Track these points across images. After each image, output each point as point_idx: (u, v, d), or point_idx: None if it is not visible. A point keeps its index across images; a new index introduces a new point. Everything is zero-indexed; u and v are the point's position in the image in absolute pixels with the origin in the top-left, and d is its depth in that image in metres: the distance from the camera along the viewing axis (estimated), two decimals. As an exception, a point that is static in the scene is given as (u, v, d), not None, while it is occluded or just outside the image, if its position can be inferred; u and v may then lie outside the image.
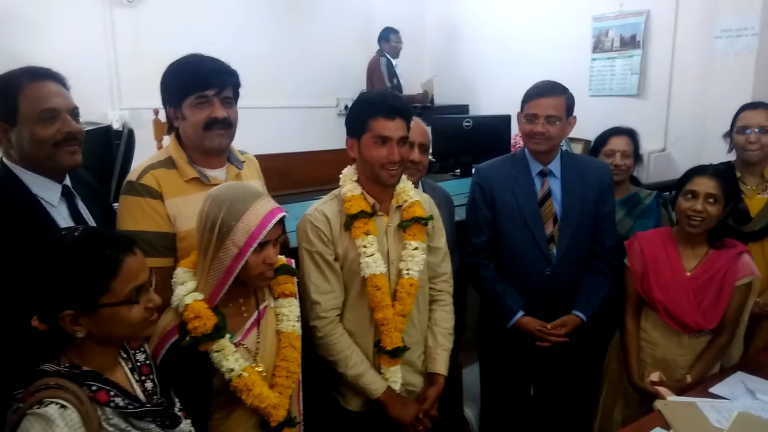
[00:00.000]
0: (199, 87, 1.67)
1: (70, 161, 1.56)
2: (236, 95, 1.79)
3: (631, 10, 4.25)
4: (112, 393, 1.17)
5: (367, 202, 1.84)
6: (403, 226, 1.89)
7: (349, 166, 1.92)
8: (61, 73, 1.59)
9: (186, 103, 1.69)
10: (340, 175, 1.91)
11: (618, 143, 2.61)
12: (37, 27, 3.93)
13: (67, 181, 1.63)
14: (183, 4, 4.69)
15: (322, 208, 1.85)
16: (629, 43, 4.29)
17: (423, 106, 5.27)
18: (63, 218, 1.55)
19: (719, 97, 3.61)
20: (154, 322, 1.27)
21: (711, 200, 2.04)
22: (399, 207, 1.91)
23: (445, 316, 2.04)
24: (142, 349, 1.35)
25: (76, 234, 1.19)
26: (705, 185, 2.05)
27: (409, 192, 1.92)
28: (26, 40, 3.79)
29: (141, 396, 1.26)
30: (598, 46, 4.51)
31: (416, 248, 1.87)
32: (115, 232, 1.56)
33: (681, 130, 3.95)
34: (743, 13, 3.46)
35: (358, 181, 1.87)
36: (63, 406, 1.08)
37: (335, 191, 1.90)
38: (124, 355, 1.30)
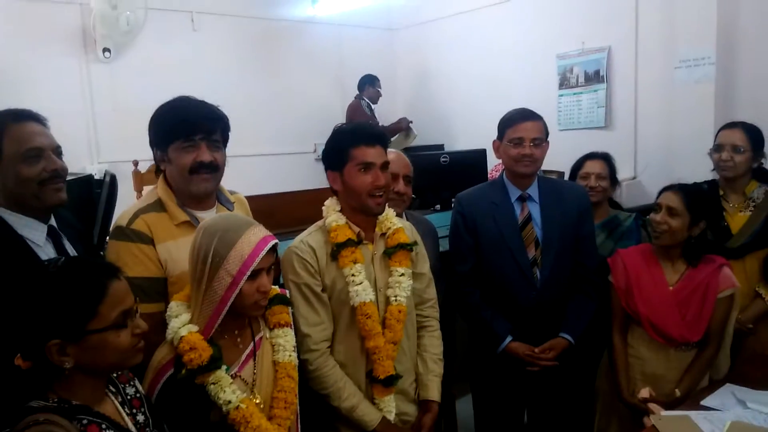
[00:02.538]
0: (186, 132, 1.68)
1: (56, 199, 1.57)
2: (225, 138, 1.80)
3: (593, 47, 4.42)
4: (103, 426, 1.15)
5: (353, 230, 1.85)
6: (389, 253, 1.91)
7: (330, 198, 1.93)
8: (41, 115, 1.60)
9: (172, 146, 1.69)
10: (323, 207, 1.92)
11: (593, 166, 2.71)
12: (15, 83, 3.93)
13: (53, 222, 1.63)
14: (159, 59, 4.76)
15: (307, 240, 1.86)
16: (593, 78, 4.46)
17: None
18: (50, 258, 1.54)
19: (683, 124, 3.76)
20: (141, 349, 1.24)
21: (671, 213, 2.11)
22: (383, 235, 1.93)
23: (434, 342, 2.05)
24: (132, 383, 1.33)
25: (59, 263, 1.19)
26: (667, 198, 2.15)
27: (391, 219, 1.94)
28: (4, 97, 3.78)
29: (133, 430, 1.24)
30: (564, 83, 4.68)
31: (403, 274, 1.89)
32: (98, 259, 1.56)
33: (649, 158, 4.07)
34: (700, 44, 3.63)
35: (341, 211, 1.89)
36: None
37: (319, 222, 1.92)
38: (113, 389, 1.28)
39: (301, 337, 1.79)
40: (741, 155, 2.48)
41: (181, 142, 1.68)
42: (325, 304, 1.84)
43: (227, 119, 1.79)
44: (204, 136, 1.70)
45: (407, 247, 1.92)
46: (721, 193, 2.58)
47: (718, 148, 2.55)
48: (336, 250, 1.82)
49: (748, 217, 2.49)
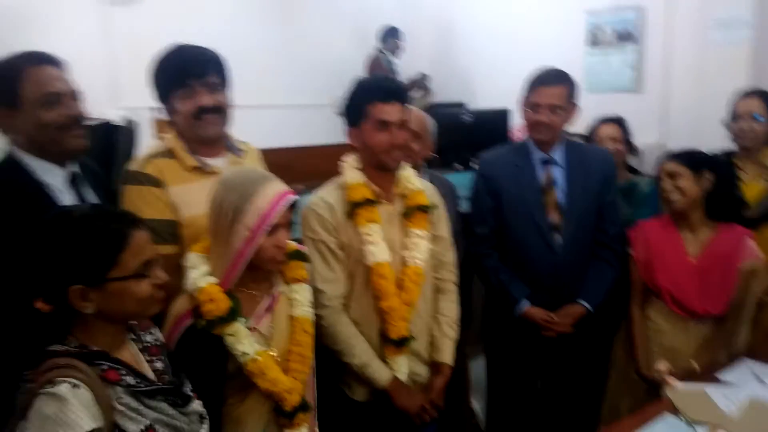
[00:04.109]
0: (180, 79, 1.67)
1: (76, 145, 1.57)
2: (224, 79, 1.77)
3: (625, 3, 4.25)
4: (122, 372, 1.16)
5: (371, 189, 1.83)
6: (407, 214, 1.88)
7: (350, 154, 1.90)
8: (59, 58, 1.58)
9: (173, 98, 1.69)
10: (342, 163, 1.90)
11: (606, 130, 2.69)
12: (34, 27, 3.90)
13: (75, 168, 1.62)
14: (180, 2, 4.68)
15: (325, 197, 1.84)
16: (624, 37, 4.30)
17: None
18: (70, 203, 1.54)
19: (715, 88, 3.62)
20: (160, 299, 1.25)
21: (673, 176, 2.10)
22: (403, 195, 1.90)
23: (450, 306, 2.03)
24: (151, 331, 1.34)
25: (82, 210, 1.19)
26: (665, 167, 2.15)
27: (412, 180, 1.91)
28: (23, 40, 3.70)
29: (151, 375, 1.25)
30: (593, 41, 4.51)
31: (420, 236, 1.87)
32: (122, 209, 1.56)
33: (678, 123, 3.96)
34: (736, 4, 3.48)
35: (360, 168, 1.86)
36: (75, 385, 1.07)
37: (337, 179, 1.90)
38: (133, 336, 1.29)
39: (315, 293, 1.78)
40: (760, 124, 2.44)
41: (178, 91, 1.68)
42: (341, 262, 1.83)
43: (219, 59, 1.76)
44: (197, 79, 1.67)
45: (425, 209, 1.89)
46: (738, 163, 2.53)
47: (735, 117, 2.51)
48: (352, 209, 1.80)
49: (765, 187, 2.46)
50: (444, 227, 2.03)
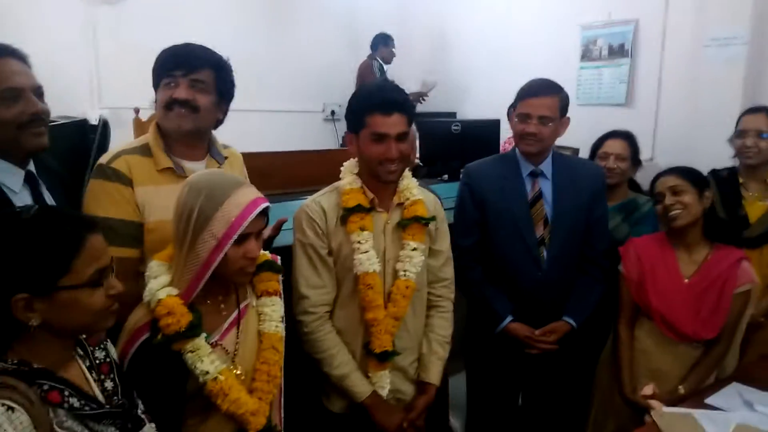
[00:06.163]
0: (168, 68, 1.62)
1: (36, 143, 1.47)
2: (220, 85, 1.69)
3: (620, 18, 4.22)
4: (66, 393, 1.06)
5: (366, 196, 1.77)
6: (403, 224, 1.81)
7: (351, 159, 1.85)
8: (21, 51, 1.48)
9: (160, 86, 1.64)
10: (341, 168, 1.84)
11: (613, 146, 2.57)
12: (16, 24, 3.79)
13: (31, 167, 1.52)
14: (166, 2, 4.60)
15: (319, 200, 1.79)
16: (618, 51, 4.27)
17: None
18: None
19: (708, 105, 3.60)
20: (114, 312, 1.15)
21: (677, 192, 2.03)
22: (400, 204, 1.84)
23: (442, 323, 1.96)
24: (102, 346, 1.24)
25: (32, 211, 1.08)
26: (665, 182, 2.07)
27: (412, 190, 1.85)
28: (4, 39, 3.66)
29: (100, 396, 1.15)
30: (586, 55, 4.48)
31: (415, 249, 1.80)
32: (77, 211, 1.46)
33: (669, 139, 3.91)
34: (733, 22, 3.44)
35: (358, 174, 1.80)
36: (10, 408, 0.97)
37: (336, 183, 1.83)
38: (81, 353, 1.19)
39: (298, 298, 1.74)
40: (766, 141, 2.38)
41: (164, 79, 1.62)
42: (330, 268, 1.78)
43: (223, 64, 1.70)
44: (185, 72, 1.61)
45: (422, 221, 1.82)
46: (741, 181, 2.48)
47: (740, 134, 2.46)
48: (345, 215, 1.75)
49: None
50: (443, 241, 1.96)
